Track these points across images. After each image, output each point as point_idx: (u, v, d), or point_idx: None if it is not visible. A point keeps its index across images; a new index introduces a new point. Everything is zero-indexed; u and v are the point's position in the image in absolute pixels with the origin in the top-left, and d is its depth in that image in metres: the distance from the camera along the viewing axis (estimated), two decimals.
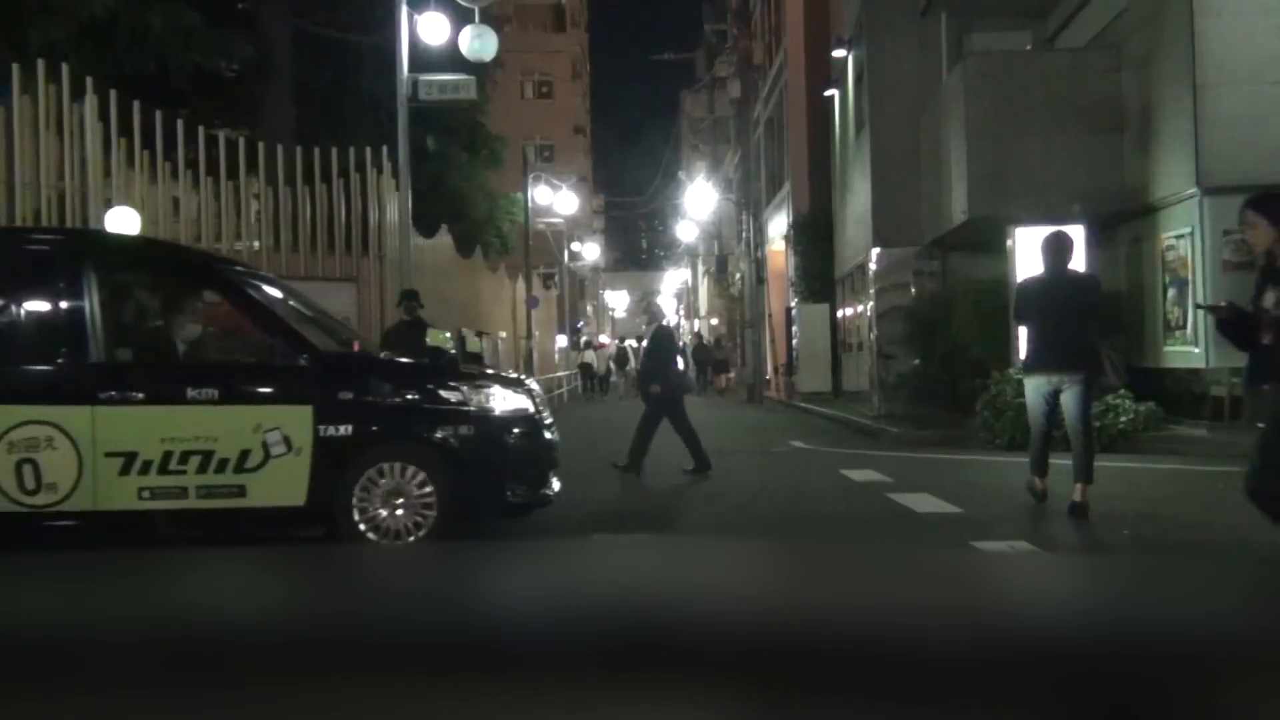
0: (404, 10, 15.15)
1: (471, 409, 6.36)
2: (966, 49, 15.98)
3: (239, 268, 7.39)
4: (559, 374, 31.32)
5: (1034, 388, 7.32)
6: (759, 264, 30.49)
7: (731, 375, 35.73)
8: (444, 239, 18.53)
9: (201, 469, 5.94)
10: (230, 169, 13.61)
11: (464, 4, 15.34)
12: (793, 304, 29.06)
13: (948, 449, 12.17)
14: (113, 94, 12.21)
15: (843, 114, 24.27)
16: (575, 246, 54.38)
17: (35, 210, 11.92)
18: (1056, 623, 0.71)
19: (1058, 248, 7.30)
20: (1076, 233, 12.93)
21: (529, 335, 28.95)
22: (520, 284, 29.01)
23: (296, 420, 6.05)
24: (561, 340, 41.03)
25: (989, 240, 14.10)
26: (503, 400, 6.49)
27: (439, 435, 6.28)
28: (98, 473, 5.90)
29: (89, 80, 12.13)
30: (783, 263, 31.86)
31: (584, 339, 43.19)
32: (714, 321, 51.67)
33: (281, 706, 0.58)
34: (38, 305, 6.37)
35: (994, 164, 14.07)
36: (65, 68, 11.95)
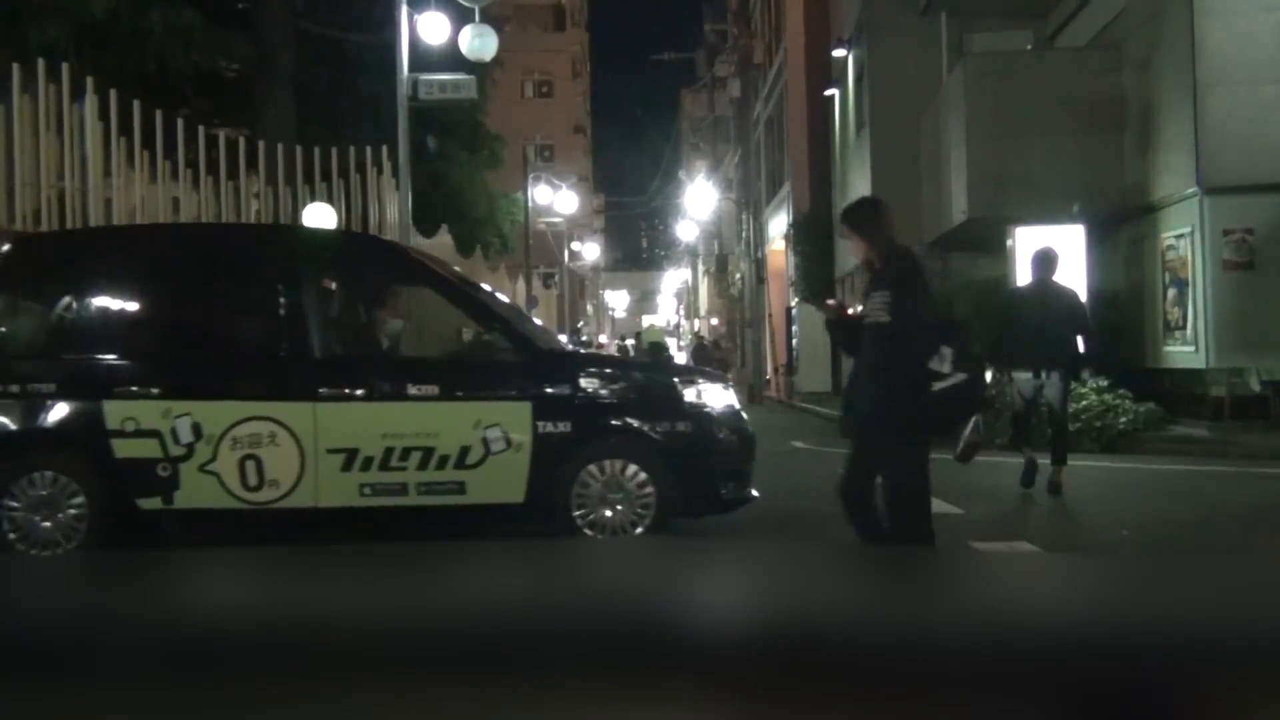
0: (404, 10, 15.15)
1: (687, 405, 6.31)
2: (967, 49, 15.98)
3: (443, 265, 7.43)
4: None
5: (1022, 382, 8.20)
6: (759, 264, 30.50)
7: (730, 375, 35.62)
8: (444, 239, 18.53)
9: (422, 465, 5.91)
10: (230, 169, 13.61)
11: (464, 3, 15.34)
12: (793, 304, 29.06)
13: (948, 449, 12.15)
14: (113, 94, 12.21)
15: (843, 114, 24.27)
16: (575, 246, 54.36)
17: (35, 210, 11.92)
18: (1056, 623, 0.71)
19: (1044, 261, 8.21)
20: (1076, 233, 13.03)
21: None
22: (520, 284, 29.02)
23: (516, 417, 6.01)
24: (561, 340, 40.98)
25: (989, 240, 14.10)
26: (714, 396, 6.44)
27: (657, 431, 6.20)
28: (320, 469, 5.88)
29: (89, 80, 12.12)
30: (783, 262, 31.85)
31: (583, 338, 43.42)
32: (714, 321, 51.67)
33: (281, 707, 0.58)
34: (259, 302, 6.40)
35: (994, 164, 14.07)
36: (65, 67, 11.94)
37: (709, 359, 38.03)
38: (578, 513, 6.06)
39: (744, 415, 6.63)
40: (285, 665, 0.61)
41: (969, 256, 16.17)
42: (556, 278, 48.48)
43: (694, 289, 63.47)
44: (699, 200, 43.08)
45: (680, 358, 35.26)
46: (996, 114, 14.14)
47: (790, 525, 7.40)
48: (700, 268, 56.74)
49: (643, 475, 6.11)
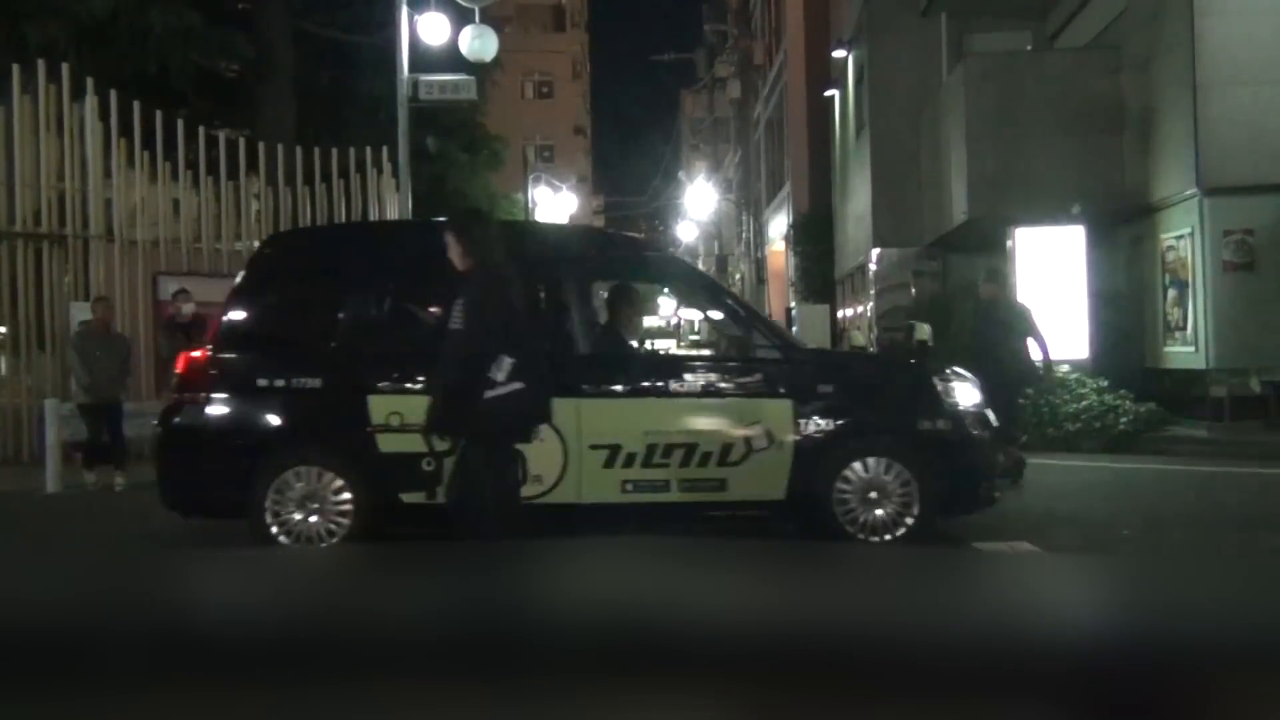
0: (404, 10, 15.15)
1: (947, 403, 6.23)
2: (967, 49, 15.99)
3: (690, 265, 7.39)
4: None
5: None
6: (759, 264, 30.51)
7: None
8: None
9: (684, 463, 5.92)
10: (230, 169, 13.61)
11: (464, 4, 15.34)
12: (793, 304, 29.05)
13: None
14: (113, 94, 12.21)
15: (843, 114, 24.27)
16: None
17: (35, 210, 11.92)
18: (1057, 623, 0.71)
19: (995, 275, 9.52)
20: (1076, 233, 13.04)
21: None
22: None
23: (778, 414, 5.99)
24: None
25: (989, 240, 14.10)
26: (966, 394, 6.37)
27: (918, 429, 6.12)
28: (583, 465, 5.90)
29: (89, 80, 12.13)
30: (783, 263, 31.87)
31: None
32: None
33: (282, 706, 0.58)
34: (523, 298, 6.43)
35: (994, 164, 14.07)
36: (65, 68, 11.95)
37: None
38: (838, 511, 6.00)
39: (989, 412, 6.53)
40: (285, 665, 0.61)
41: (969, 257, 16.18)
42: None
43: None
44: (699, 201, 43.10)
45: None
46: (997, 114, 14.14)
47: (790, 525, 7.39)
48: (700, 268, 56.70)
49: (905, 474, 6.01)
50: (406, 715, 0.57)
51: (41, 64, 11.74)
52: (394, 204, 15.19)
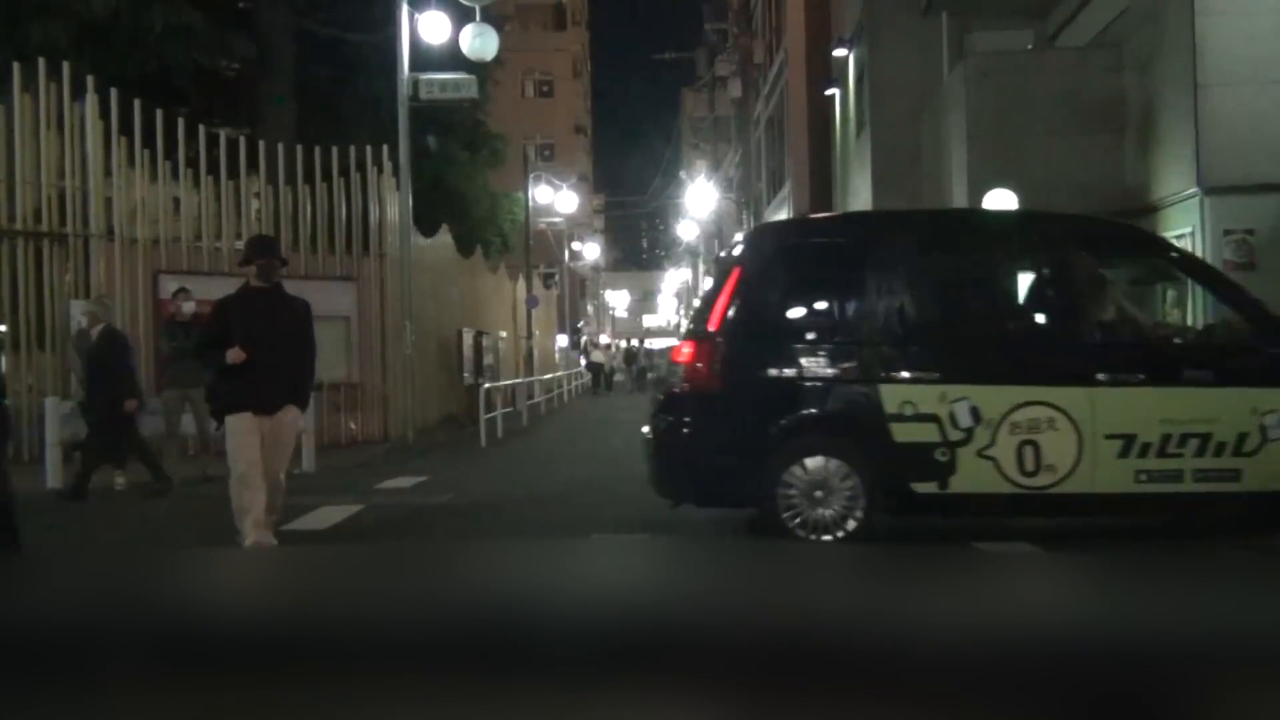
0: (405, 9, 15.14)
1: None
2: (967, 48, 15.98)
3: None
4: (559, 373, 31.34)
5: None
6: None
7: None
8: (444, 238, 18.52)
9: (1199, 452, 5.85)
10: (230, 168, 13.61)
11: (465, 3, 15.34)
12: None
13: None
14: (113, 93, 12.21)
15: (843, 113, 24.27)
16: (575, 246, 54.37)
17: (36, 209, 11.92)
18: (1057, 622, 0.71)
19: None
20: None
21: (529, 335, 28.94)
22: (520, 283, 29.00)
23: None
24: (562, 340, 41.18)
25: None
26: None
27: None
28: (1097, 455, 5.85)
29: (90, 79, 12.13)
30: None
31: (585, 338, 44.01)
32: None
33: (282, 706, 0.58)
34: (1035, 287, 6.47)
35: (994, 164, 14.06)
36: (66, 67, 11.95)
37: None
38: None
39: None
40: (285, 665, 0.61)
41: None
42: (557, 277, 48.50)
43: (694, 289, 63.44)
44: (699, 200, 43.10)
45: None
46: (997, 114, 14.14)
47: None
48: (701, 267, 56.73)
49: None
50: (406, 715, 0.57)
51: (42, 62, 11.73)
52: (394, 203, 15.18)
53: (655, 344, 53.80)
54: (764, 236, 6.89)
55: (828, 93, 25.06)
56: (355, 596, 0.82)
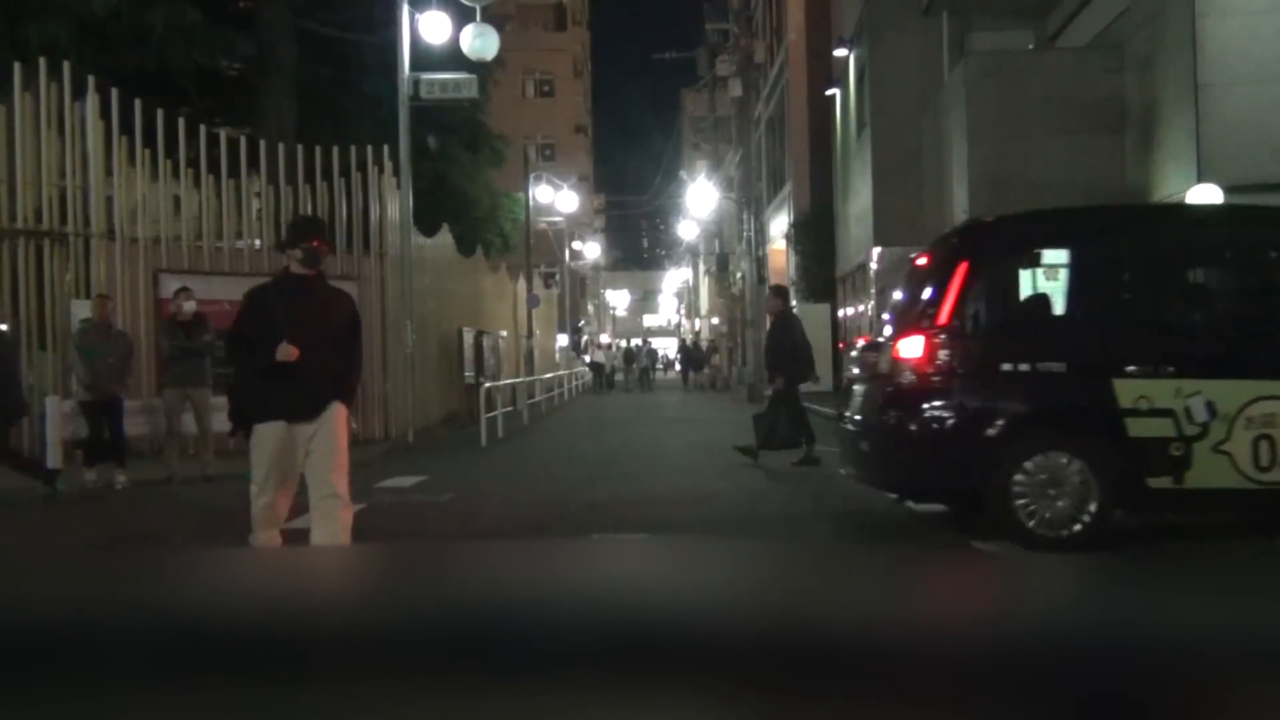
0: (405, 9, 15.15)
1: None
2: (968, 48, 15.97)
3: None
4: (560, 373, 31.36)
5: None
6: (760, 263, 30.43)
7: (705, 371, 40.02)
8: (445, 238, 18.53)
9: None
10: (231, 167, 13.61)
11: (465, 3, 15.34)
12: (794, 304, 29.06)
13: None
14: (114, 92, 12.21)
15: (844, 113, 24.27)
16: (576, 245, 54.37)
17: (36, 208, 11.93)
18: (1056, 623, 0.71)
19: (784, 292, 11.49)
20: None
21: (530, 334, 28.95)
22: (521, 283, 29.01)
23: None
24: (562, 339, 41.29)
25: None
26: None
27: None
28: None
29: (90, 79, 12.13)
30: (784, 262, 31.84)
31: (586, 338, 44.53)
32: (715, 321, 51.70)
33: (281, 707, 0.58)
34: (1270, 283, 6.49)
35: (995, 164, 14.07)
36: (67, 66, 11.95)
37: (690, 359, 40.73)
38: None
39: None
40: (284, 665, 0.61)
41: None
42: (557, 277, 48.50)
43: (695, 289, 63.47)
44: (700, 200, 43.10)
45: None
46: (998, 114, 14.14)
47: (790, 523, 7.40)
48: (701, 267, 56.74)
49: None
50: (405, 715, 0.57)
51: (43, 62, 11.74)
52: (395, 203, 15.19)
53: (656, 342, 53.90)
54: (994, 230, 6.93)
55: (828, 93, 25.07)
56: (355, 596, 0.82)
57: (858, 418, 6.76)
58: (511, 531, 7.39)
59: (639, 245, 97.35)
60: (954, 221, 15.28)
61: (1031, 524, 5.95)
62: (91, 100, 12.13)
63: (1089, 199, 13.04)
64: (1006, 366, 6.14)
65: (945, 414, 6.17)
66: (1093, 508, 5.96)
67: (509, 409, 18.35)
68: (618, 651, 0.60)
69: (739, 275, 37.80)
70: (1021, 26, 16.19)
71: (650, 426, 11.08)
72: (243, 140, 14.29)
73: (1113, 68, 13.93)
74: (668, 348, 60.63)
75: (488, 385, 16.69)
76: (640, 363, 41.47)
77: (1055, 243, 6.70)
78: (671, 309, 77.63)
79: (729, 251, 41.98)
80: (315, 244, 5.32)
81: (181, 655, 0.62)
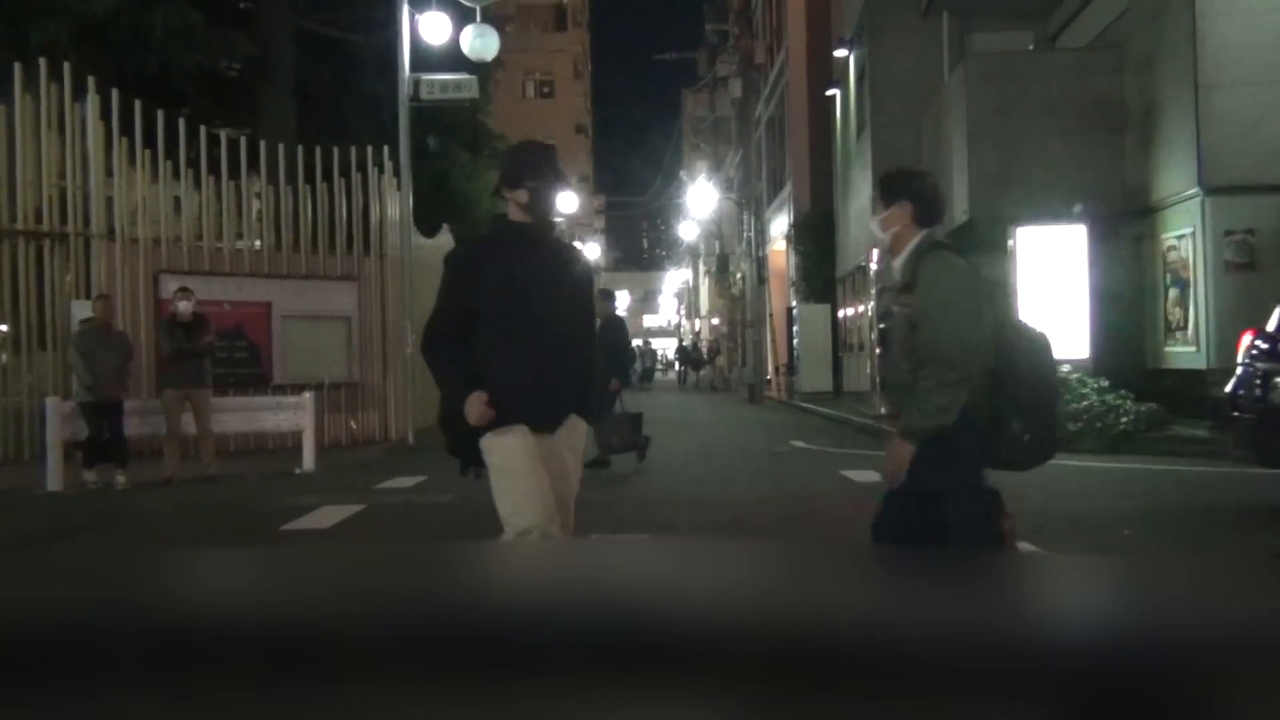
0: (405, 10, 15.15)
1: None
2: (968, 49, 15.99)
3: None
4: None
5: None
6: (760, 264, 30.48)
7: (703, 372, 40.56)
8: (445, 238, 18.50)
9: None
10: (231, 168, 13.61)
11: (465, 3, 15.35)
12: (794, 304, 29.05)
13: None
14: (114, 93, 12.22)
15: (844, 114, 24.28)
16: (576, 246, 54.32)
17: (37, 209, 11.93)
18: (1057, 623, 0.71)
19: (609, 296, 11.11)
20: (1078, 233, 13.02)
21: None
22: None
23: None
24: None
25: (990, 240, 14.10)
26: None
27: None
28: None
29: (90, 80, 12.13)
30: (784, 262, 31.86)
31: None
32: (715, 321, 51.71)
33: (281, 707, 0.58)
34: None
35: (995, 164, 14.07)
36: (67, 67, 11.96)
37: (688, 359, 41.07)
38: None
39: None
40: (284, 665, 0.61)
41: (969, 256, 16.16)
42: None
43: (695, 289, 63.47)
44: (700, 200, 43.09)
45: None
46: (998, 114, 14.15)
47: (790, 525, 7.40)
48: (701, 268, 56.75)
49: None
50: (405, 716, 0.57)
51: (43, 63, 11.74)
52: (395, 203, 15.19)
53: (656, 343, 53.88)
54: None
55: (828, 93, 25.08)
56: (355, 596, 0.82)
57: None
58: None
59: (639, 246, 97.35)
60: (954, 222, 15.28)
61: None
62: (92, 101, 12.13)
63: (1089, 199, 13.06)
64: None
65: None
66: None
67: None
68: (617, 652, 0.60)
69: (739, 276, 37.83)
70: (1022, 27, 16.20)
71: (649, 426, 11.04)
72: (243, 141, 14.29)
73: (1113, 68, 13.93)
74: (667, 348, 60.65)
75: None
76: (645, 363, 41.56)
77: None
78: (672, 309, 77.61)
79: (729, 252, 42.00)
80: (545, 183, 3.72)
81: (181, 655, 0.62)
